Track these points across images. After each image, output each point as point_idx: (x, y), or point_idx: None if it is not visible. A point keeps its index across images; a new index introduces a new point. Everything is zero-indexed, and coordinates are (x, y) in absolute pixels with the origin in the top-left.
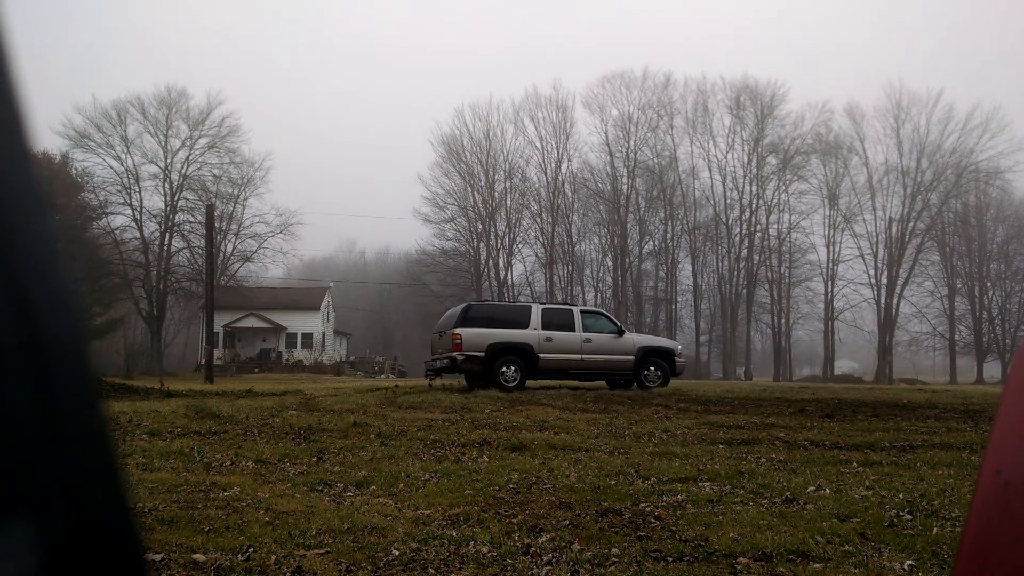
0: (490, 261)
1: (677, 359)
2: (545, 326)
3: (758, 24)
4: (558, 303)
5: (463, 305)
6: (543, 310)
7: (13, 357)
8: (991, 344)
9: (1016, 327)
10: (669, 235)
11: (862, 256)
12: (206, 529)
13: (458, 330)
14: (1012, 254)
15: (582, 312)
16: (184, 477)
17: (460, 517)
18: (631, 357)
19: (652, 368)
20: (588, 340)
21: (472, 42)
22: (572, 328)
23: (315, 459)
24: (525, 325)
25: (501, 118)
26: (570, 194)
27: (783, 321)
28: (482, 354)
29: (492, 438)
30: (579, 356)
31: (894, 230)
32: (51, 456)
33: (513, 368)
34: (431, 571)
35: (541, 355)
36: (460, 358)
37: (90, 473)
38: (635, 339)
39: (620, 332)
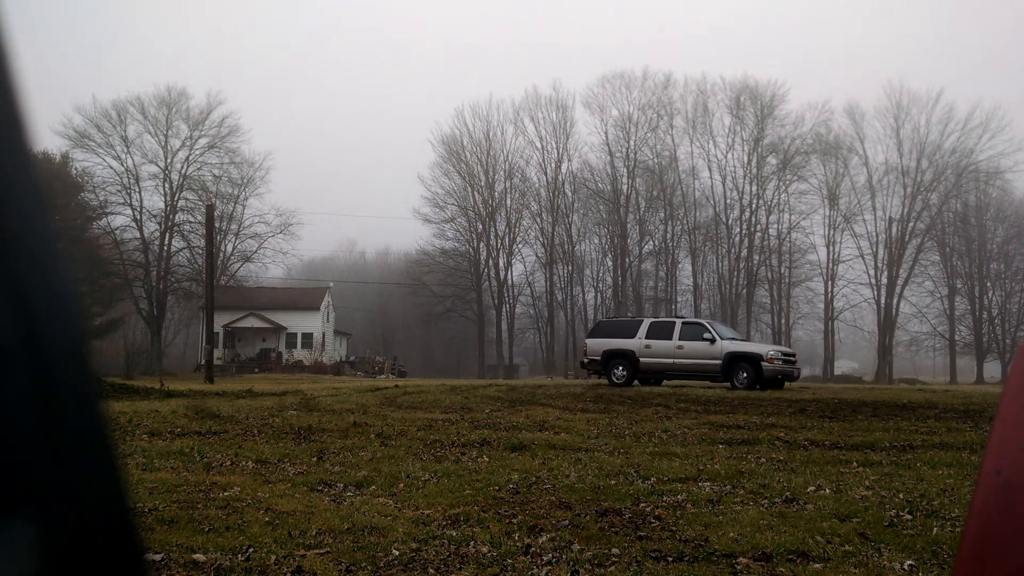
0: (490, 261)
1: (765, 364)
2: (649, 336)
3: (758, 24)
4: (667, 316)
5: (597, 321)
6: (651, 323)
7: (13, 357)
8: (991, 344)
9: (1016, 327)
10: (669, 235)
11: (862, 256)
12: (206, 529)
13: (587, 340)
14: (1012, 254)
15: (683, 323)
16: (184, 477)
17: (460, 517)
18: (718, 361)
19: (743, 373)
20: (680, 347)
21: (472, 42)
22: (670, 337)
23: (315, 459)
24: (633, 335)
25: (501, 118)
26: (570, 194)
27: (783, 321)
28: (599, 358)
29: (492, 438)
30: (671, 360)
31: (894, 230)
32: (51, 456)
33: (622, 369)
34: (431, 571)
35: (641, 359)
36: (586, 361)
37: (90, 473)
38: (725, 345)
39: (712, 340)
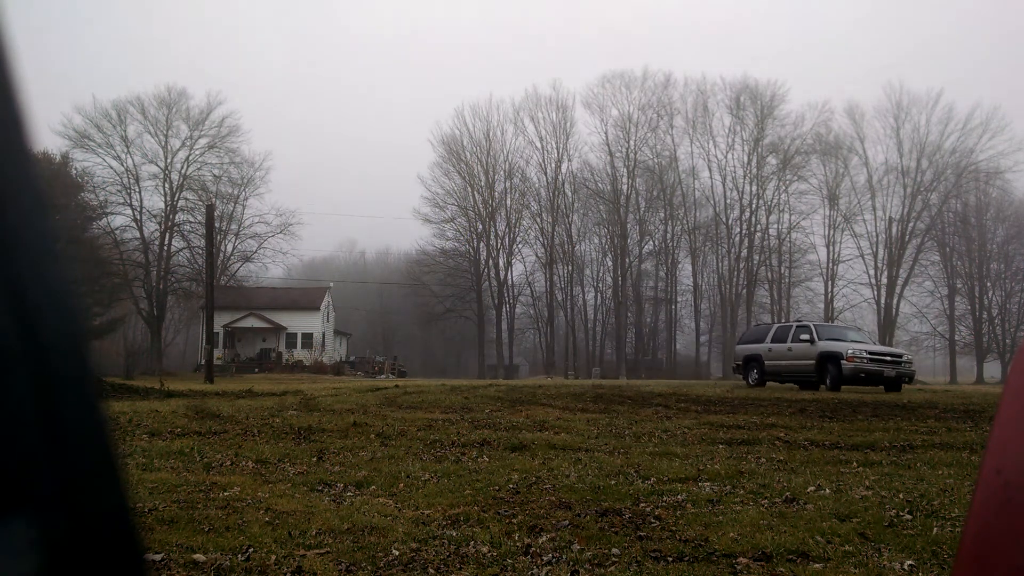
0: (490, 261)
1: (844, 362)
2: (773, 340)
3: (758, 24)
4: (787, 322)
5: (746, 329)
6: (776, 328)
7: (13, 357)
8: (991, 344)
9: (1016, 327)
10: (669, 235)
11: (862, 256)
12: (206, 529)
13: (736, 347)
14: (1012, 254)
15: (797, 326)
16: (184, 477)
17: (460, 517)
18: (812, 362)
19: (829, 373)
20: (790, 349)
21: (472, 42)
22: (784, 341)
23: (315, 459)
24: (763, 340)
25: (501, 118)
26: (570, 194)
27: (783, 321)
28: (741, 363)
29: (492, 438)
30: (784, 363)
31: (894, 230)
32: (51, 456)
33: (755, 372)
34: (431, 571)
35: (766, 362)
36: (734, 365)
37: (90, 473)
38: (820, 346)
39: (811, 341)
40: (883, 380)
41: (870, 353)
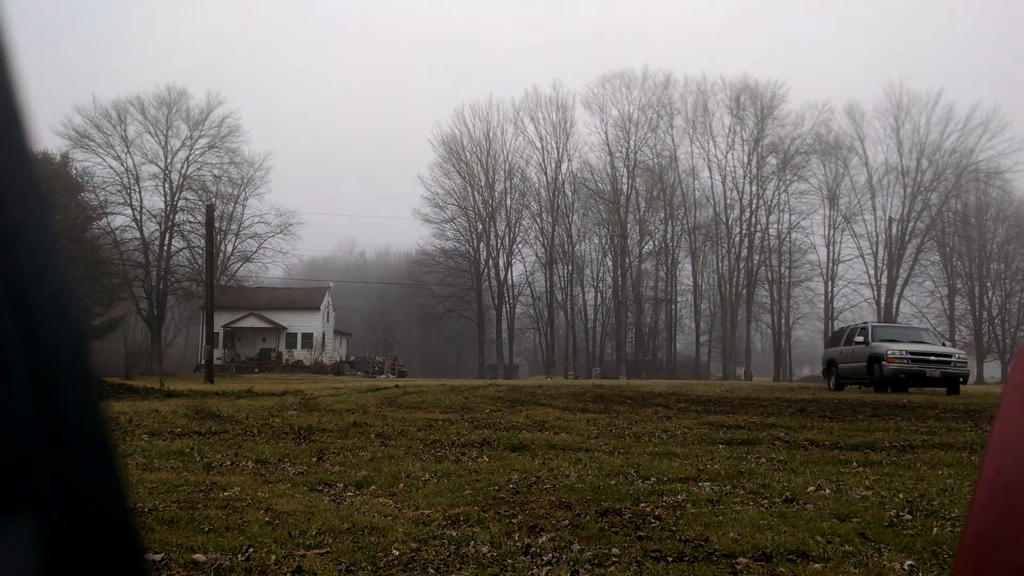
0: (490, 261)
1: (884, 363)
2: (845, 343)
3: (758, 24)
4: (855, 323)
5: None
6: (849, 330)
7: (13, 357)
8: (991, 344)
9: (1016, 327)
10: (669, 235)
11: (862, 256)
12: (206, 529)
13: (824, 350)
14: (1012, 254)
15: (860, 329)
16: (184, 477)
17: (460, 517)
18: (863, 363)
19: (875, 374)
20: (852, 352)
21: (472, 42)
22: (850, 343)
23: (315, 459)
24: (839, 343)
25: (501, 118)
26: (570, 194)
27: (783, 321)
28: (825, 366)
29: (492, 438)
30: (848, 365)
31: (894, 230)
32: (51, 456)
33: (833, 375)
34: (431, 571)
35: (838, 365)
36: (822, 366)
37: (90, 473)
38: (870, 347)
39: (865, 342)
40: (926, 380)
41: (911, 354)
